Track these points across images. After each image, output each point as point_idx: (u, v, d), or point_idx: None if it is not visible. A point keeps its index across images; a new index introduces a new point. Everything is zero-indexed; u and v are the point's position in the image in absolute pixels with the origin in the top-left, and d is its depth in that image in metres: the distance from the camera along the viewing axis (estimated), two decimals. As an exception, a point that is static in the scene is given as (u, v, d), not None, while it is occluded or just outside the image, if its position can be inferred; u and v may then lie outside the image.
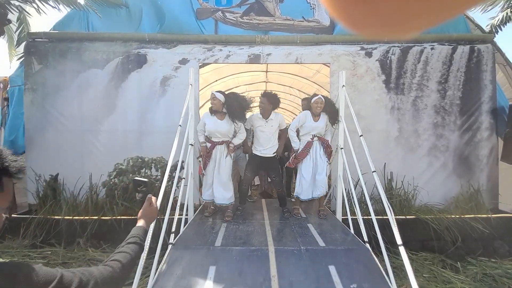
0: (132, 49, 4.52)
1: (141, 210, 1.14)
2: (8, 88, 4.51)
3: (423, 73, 4.49)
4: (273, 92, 3.52)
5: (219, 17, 4.70)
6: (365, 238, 2.63)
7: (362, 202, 3.62)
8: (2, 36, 4.36)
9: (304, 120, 3.37)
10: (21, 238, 3.72)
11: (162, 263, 2.22)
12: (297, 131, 3.47)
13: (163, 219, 2.45)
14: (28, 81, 4.45)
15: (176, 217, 2.69)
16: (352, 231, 2.94)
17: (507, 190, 4.36)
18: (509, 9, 5.07)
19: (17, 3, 4.18)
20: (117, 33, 4.57)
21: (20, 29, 4.87)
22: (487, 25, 5.31)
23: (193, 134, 3.36)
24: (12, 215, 3.94)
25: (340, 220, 3.37)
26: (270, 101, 3.31)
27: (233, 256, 2.35)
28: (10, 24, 4.50)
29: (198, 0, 4.66)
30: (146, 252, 1.94)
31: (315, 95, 3.42)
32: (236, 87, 7.11)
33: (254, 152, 3.44)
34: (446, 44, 4.51)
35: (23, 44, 4.66)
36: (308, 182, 3.32)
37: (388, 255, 2.24)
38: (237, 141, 3.36)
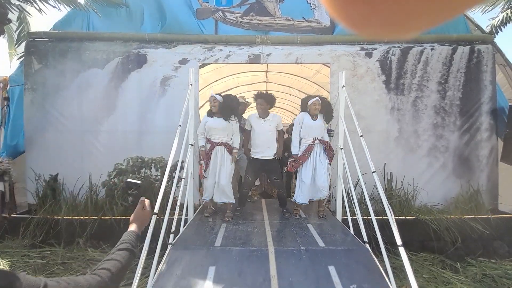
0: (132, 49, 4.52)
1: (133, 214, 1.08)
2: (8, 88, 4.51)
3: (423, 73, 4.49)
4: (267, 92, 3.57)
5: (219, 17, 4.70)
6: (365, 239, 2.63)
7: (362, 202, 3.62)
8: (2, 36, 4.35)
9: (302, 121, 3.36)
10: (21, 238, 3.72)
11: (161, 263, 2.22)
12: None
13: (163, 219, 2.45)
14: (28, 80, 4.45)
15: (175, 217, 2.69)
16: (352, 231, 2.94)
17: (506, 190, 4.36)
18: (509, 10, 5.07)
19: (17, 3, 4.18)
20: (117, 32, 4.57)
21: (20, 28, 4.87)
22: (487, 26, 5.33)
23: (193, 134, 3.36)
24: (12, 215, 3.94)
25: (340, 221, 3.37)
26: (268, 101, 3.39)
27: (233, 256, 2.35)
28: (10, 24, 4.49)
29: (198, 0, 4.66)
30: (145, 252, 1.94)
31: (310, 97, 3.43)
32: (236, 87, 7.11)
33: (254, 155, 3.43)
34: (446, 44, 4.51)
35: (23, 43, 4.66)
36: (307, 187, 3.30)
37: (388, 255, 2.24)
38: (236, 142, 3.39)
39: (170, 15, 4.64)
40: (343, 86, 3.42)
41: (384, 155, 4.39)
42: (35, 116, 4.43)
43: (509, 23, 5.09)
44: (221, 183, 3.24)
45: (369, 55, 4.52)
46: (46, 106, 4.43)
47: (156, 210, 2.23)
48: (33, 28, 4.97)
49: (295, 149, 3.36)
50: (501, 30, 5.17)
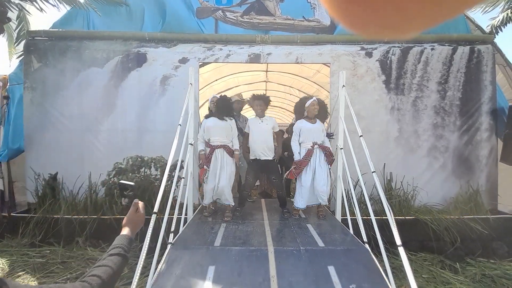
0: (132, 48, 4.51)
1: (126, 217, 1.03)
2: (7, 87, 4.50)
3: (423, 73, 4.49)
4: (262, 93, 3.64)
5: (219, 16, 4.69)
6: (365, 239, 2.63)
7: (361, 202, 3.62)
8: (1, 34, 4.34)
9: (301, 126, 3.34)
10: (20, 237, 3.72)
11: (161, 263, 2.22)
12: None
13: (163, 218, 2.45)
14: (27, 79, 4.44)
15: (175, 216, 2.69)
16: (351, 231, 2.93)
17: (506, 191, 4.36)
18: (509, 10, 5.07)
19: (17, 1, 4.17)
20: (117, 31, 4.56)
21: (19, 27, 4.85)
22: (487, 26, 5.33)
23: (192, 134, 3.35)
24: (11, 214, 3.94)
25: (340, 221, 3.37)
26: (265, 102, 3.49)
27: (233, 256, 2.35)
28: (10, 22, 4.48)
29: (199, -1, 4.66)
30: (145, 251, 1.94)
31: (307, 98, 3.42)
32: (236, 86, 7.11)
33: (253, 156, 3.44)
34: (446, 44, 4.51)
35: (23, 42, 4.64)
36: (307, 191, 3.28)
37: (387, 255, 2.24)
38: (237, 144, 3.41)
39: (170, 14, 4.64)
40: (343, 85, 3.42)
41: (384, 155, 4.39)
42: (34, 115, 4.42)
43: (509, 23, 5.09)
44: (220, 185, 3.23)
45: (369, 54, 4.52)
46: (46, 105, 4.43)
47: (155, 209, 2.23)
48: (33, 27, 4.96)
49: (297, 156, 3.33)
50: (501, 30, 5.17)
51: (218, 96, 3.50)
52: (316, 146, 3.28)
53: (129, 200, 1.10)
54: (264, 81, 7.12)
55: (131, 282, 1.84)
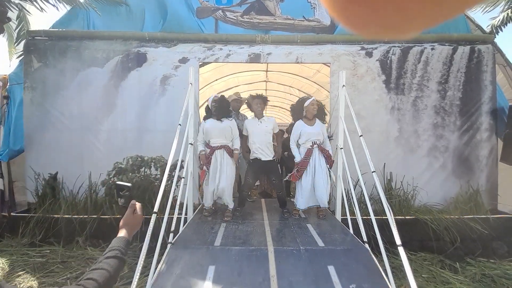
0: (132, 48, 4.51)
1: (123, 218, 1.00)
2: (7, 86, 4.50)
3: (423, 73, 4.48)
4: (260, 93, 3.64)
5: (219, 16, 4.69)
6: (364, 238, 2.63)
7: (361, 202, 3.62)
8: (1, 34, 4.34)
9: (300, 129, 3.34)
10: (20, 236, 3.72)
11: (161, 263, 2.22)
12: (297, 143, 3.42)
13: (163, 218, 2.45)
14: (27, 79, 4.44)
15: (175, 216, 2.69)
16: (351, 231, 2.94)
17: (506, 191, 4.36)
18: (509, 10, 5.07)
19: (17, 1, 4.17)
20: (117, 31, 4.56)
21: (19, 27, 4.85)
22: (487, 26, 5.32)
23: (192, 134, 3.35)
24: (11, 214, 3.94)
25: (340, 220, 3.37)
26: (264, 101, 3.48)
27: (232, 256, 2.35)
28: (10, 22, 4.48)
29: (199, -1, 4.66)
30: (145, 251, 1.94)
31: (305, 99, 3.42)
32: (236, 86, 7.11)
33: (253, 157, 3.44)
34: (447, 44, 4.50)
35: (23, 42, 4.64)
36: (308, 191, 3.28)
37: (387, 255, 2.24)
38: (237, 144, 3.40)
39: (170, 14, 4.63)
40: (343, 85, 3.42)
41: (384, 155, 4.39)
42: (34, 115, 4.42)
43: (509, 23, 5.08)
44: (220, 187, 3.24)
45: (369, 54, 4.52)
46: (46, 105, 4.43)
47: (156, 209, 2.23)
48: (33, 27, 4.96)
49: (298, 157, 3.33)
50: (501, 30, 5.17)
51: (219, 96, 3.48)
52: (315, 146, 3.28)
53: (125, 201, 1.08)
54: (264, 81, 7.12)
55: (131, 282, 1.84)
